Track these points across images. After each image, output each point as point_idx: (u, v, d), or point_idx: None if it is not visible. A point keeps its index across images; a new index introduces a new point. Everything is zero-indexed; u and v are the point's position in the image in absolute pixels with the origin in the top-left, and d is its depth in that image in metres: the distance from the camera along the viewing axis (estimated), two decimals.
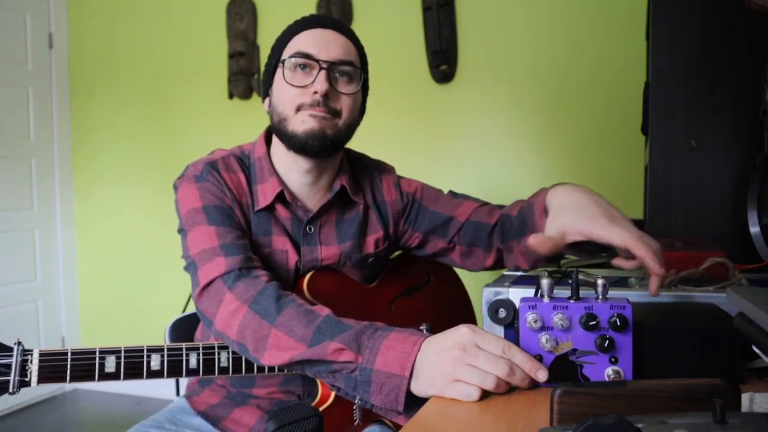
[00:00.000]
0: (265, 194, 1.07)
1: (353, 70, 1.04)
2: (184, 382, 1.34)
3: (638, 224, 1.77)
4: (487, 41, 2.45)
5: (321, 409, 1.05)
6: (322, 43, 1.01)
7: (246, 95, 2.80)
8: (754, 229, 1.13)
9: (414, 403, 0.75)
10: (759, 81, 1.20)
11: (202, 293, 0.96)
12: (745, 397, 0.59)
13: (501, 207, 1.15)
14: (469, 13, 2.46)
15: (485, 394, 0.70)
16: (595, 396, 0.56)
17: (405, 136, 2.58)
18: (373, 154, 1.29)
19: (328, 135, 1.01)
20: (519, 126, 2.42)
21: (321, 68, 1.00)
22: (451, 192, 1.23)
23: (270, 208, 1.08)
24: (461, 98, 2.50)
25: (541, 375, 0.70)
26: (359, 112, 1.11)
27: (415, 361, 0.75)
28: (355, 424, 1.03)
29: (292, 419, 0.61)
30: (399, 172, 1.34)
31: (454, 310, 1.33)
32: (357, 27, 2.62)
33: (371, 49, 3.00)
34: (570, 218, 0.80)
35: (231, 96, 2.85)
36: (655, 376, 0.70)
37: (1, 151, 2.86)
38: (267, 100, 1.10)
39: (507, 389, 0.71)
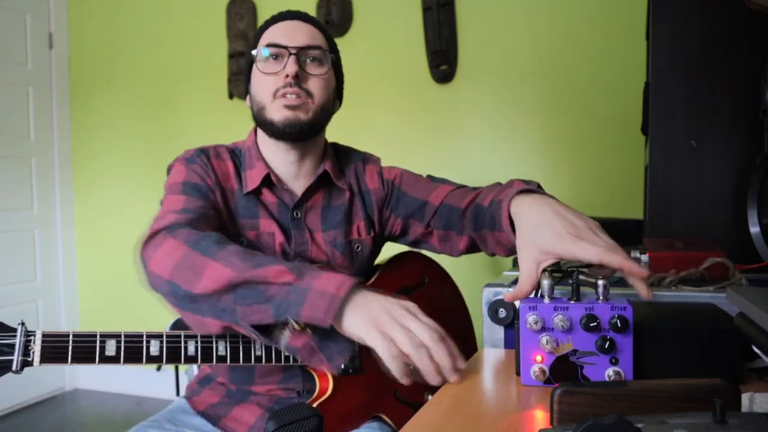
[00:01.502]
0: (252, 178, 1.12)
1: (321, 53, 1.10)
2: (183, 382, 1.34)
3: (638, 224, 1.78)
4: (487, 41, 2.45)
5: (318, 403, 1.05)
6: (290, 32, 1.09)
7: (246, 95, 2.80)
8: (754, 229, 1.13)
9: (342, 350, 0.78)
10: (759, 81, 1.20)
11: (146, 244, 0.94)
12: (745, 397, 0.59)
13: (476, 189, 1.15)
14: (469, 13, 2.46)
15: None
16: (595, 396, 0.57)
17: (405, 136, 2.59)
18: (373, 153, 1.29)
19: (303, 120, 1.07)
20: (519, 126, 2.42)
21: (290, 54, 1.06)
22: (429, 176, 1.25)
23: (257, 192, 1.13)
24: (461, 98, 2.50)
25: (454, 378, 0.75)
26: (334, 96, 1.17)
27: (351, 290, 0.79)
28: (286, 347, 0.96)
29: (292, 419, 0.61)
30: None
31: (450, 311, 1.33)
32: (357, 27, 2.62)
33: (371, 49, 3.00)
34: (540, 241, 0.78)
35: (231, 96, 2.85)
36: (655, 376, 0.70)
37: (1, 151, 2.86)
38: (248, 96, 1.16)
39: (417, 375, 0.75)
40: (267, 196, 1.14)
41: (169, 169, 1.16)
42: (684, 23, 1.29)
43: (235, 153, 1.17)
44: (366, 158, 1.26)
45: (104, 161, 3.15)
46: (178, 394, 1.38)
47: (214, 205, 1.08)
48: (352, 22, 2.62)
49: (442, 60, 2.48)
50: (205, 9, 2.89)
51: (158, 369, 1.04)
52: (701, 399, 0.56)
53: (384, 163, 1.28)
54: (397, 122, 2.59)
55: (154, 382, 2.98)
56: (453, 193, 1.16)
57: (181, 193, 1.05)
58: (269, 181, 1.12)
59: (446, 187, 1.19)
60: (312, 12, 2.65)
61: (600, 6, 2.27)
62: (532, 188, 0.95)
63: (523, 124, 2.42)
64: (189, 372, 1.34)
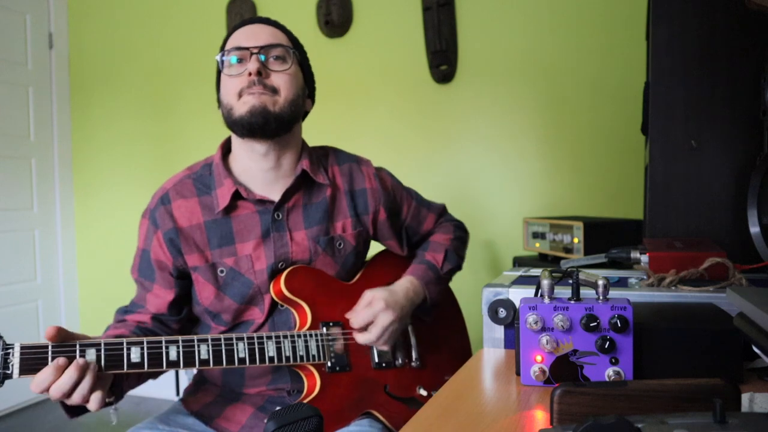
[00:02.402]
0: (223, 196, 1.12)
1: (283, 50, 1.11)
2: (183, 383, 1.35)
3: (638, 224, 1.77)
4: (487, 41, 2.45)
5: (307, 401, 1.06)
6: (250, 34, 1.11)
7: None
8: (754, 229, 1.13)
9: None
10: (759, 81, 1.20)
11: None
12: (745, 397, 0.59)
13: (445, 221, 1.36)
14: (469, 13, 2.46)
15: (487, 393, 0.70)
16: (595, 396, 0.57)
17: (405, 136, 2.58)
18: (373, 153, 1.30)
19: (271, 111, 1.07)
20: (519, 126, 2.42)
21: (252, 54, 1.08)
22: (417, 200, 1.33)
23: (232, 209, 1.13)
24: (461, 98, 2.50)
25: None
26: (303, 93, 1.16)
27: None
28: None
29: (292, 419, 0.60)
30: (398, 172, 1.35)
31: (438, 306, 1.33)
32: (357, 27, 2.62)
33: (371, 49, 3.00)
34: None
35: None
36: (655, 376, 0.70)
37: (1, 151, 2.86)
38: (220, 105, 1.17)
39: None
40: (242, 208, 1.14)
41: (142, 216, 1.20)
42: (684, 23, 1.29)
43: (203, 180, 1.16)
44: (360, 160, 1.27)
45: (104, 161, 3.14)
46: (177, 394, 1.38)
47: (162, 266, 1.14)
48: (352, 22, 2.62)
49: (442, 60, 2.48)
50: (205, 9, 2.89)
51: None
52: (701, 399, 0.56)
53: (384, 163, 1.28)
54: (397, 122, 2.59)
55: (154, 383, 2.98)
56: (434, 228, 1.35)
57: (136, 283, 1.20)
58: (239, 195, 1.12)
59: (432, 218, 1.35)
60: (312, 12, 2.66)
61: (600, 6, 2.27)
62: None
63: (523, 123, 2.42)
64: (189, 372, 1.34)
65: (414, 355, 1.18)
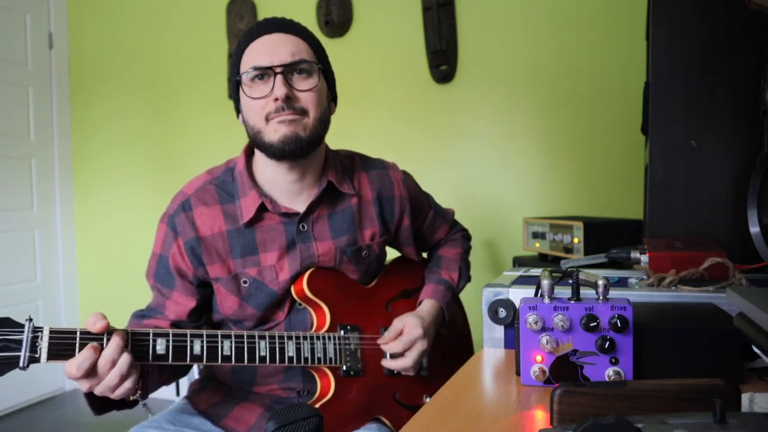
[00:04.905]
0: (247, 208, 1.09)
1: (308, 65, 1.05)
2: (184, 383, 1.34)
3: (638, 224, 1.77)
4: (487, 41, 2.45)
5: (320, 404, 1.06)
6: (272, 50, 1.03)
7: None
8: (754, 229, 1.13)
9: None
10: (759, 81, 1.20)
11: None
12: (745, 397, 0.59)
13: (456, 231, 1.38)
14: (469, 13, 2.46)
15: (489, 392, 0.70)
16: (595, 396, 0.57)
17: (405, 136, 2.59)
18: (373, 153, 1.29)
19: (302, 137, 1.03)
20: (519, 126, 2.42)
21: (276, 74, 1.01)
22: (434, 208, 1.34)
23: (256, 220, 1.10)
24: (461, 98, 2.50)
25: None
26: (328, 101, 1.12)
27: None
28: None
29: (292, 419, 0.61)
30: None
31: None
32: (357, 27, 2.62)
33: (371, 49, 2.99)
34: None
35: (231, 96, 2.85)
36: (655, 376, 0.70)
37: (1, 151, 2.86)
38: (240, 115, 1.12)
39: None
40: (267, 219, 1.11)
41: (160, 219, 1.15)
42: (684, 23, 1.29)
43: (225, 187, 1.12)
44: (387, 165, 1.25)
45: (104, 161, 3.14)
46: (177, 394, 1.38)
47: (181, 273, 1.10)
48: (352, 22, 2.62)
49: (442, 60, 2.48)
50: (205, 9, 2.89)
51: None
52: (701, 399, 0.56)
53: None
54: (397, 122, 2.59)
55: None
56: (446, 236, 1.38)
57: (152, 289, 1.13)
58: (265, 207, 1.09)
59: (444, 229, 1.36)
60: (312, 12, 2.66)
61: (600, 6, 2.27)
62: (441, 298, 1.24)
63: (522, 123, 2.42)
64: (189, 372, 1.34)
65: (424, 363, 1.19)
